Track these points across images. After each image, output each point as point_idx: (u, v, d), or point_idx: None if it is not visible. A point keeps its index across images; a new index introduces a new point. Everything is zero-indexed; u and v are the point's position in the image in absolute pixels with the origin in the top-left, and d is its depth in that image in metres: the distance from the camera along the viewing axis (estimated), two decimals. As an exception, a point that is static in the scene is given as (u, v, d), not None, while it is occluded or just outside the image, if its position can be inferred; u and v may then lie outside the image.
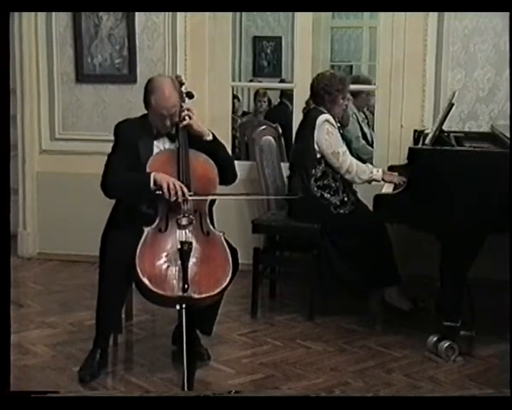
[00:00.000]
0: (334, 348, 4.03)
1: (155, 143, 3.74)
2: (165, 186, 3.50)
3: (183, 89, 3.79)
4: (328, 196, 4.47)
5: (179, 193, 3.51)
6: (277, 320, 4.43)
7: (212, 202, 3.74)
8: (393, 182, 4.41)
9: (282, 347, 4.04)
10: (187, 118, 3.67)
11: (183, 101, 3.77)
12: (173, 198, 3.50)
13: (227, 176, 3.82)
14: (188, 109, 3.71)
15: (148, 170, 3.58)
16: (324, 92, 4.53)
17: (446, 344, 3.83)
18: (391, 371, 3.73)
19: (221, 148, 3.84)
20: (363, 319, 4.38)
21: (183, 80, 3.85)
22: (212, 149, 3.75)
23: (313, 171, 4.49)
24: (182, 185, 3.54)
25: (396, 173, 4.52)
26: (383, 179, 4.47)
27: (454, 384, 3.60)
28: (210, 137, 3.75)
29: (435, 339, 3.88)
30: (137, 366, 3.77)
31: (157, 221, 3.53)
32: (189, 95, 3.85)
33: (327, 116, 4.50)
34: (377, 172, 4.48)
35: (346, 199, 4.48)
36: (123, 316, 3.99)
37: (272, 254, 4.80)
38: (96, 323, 3.66)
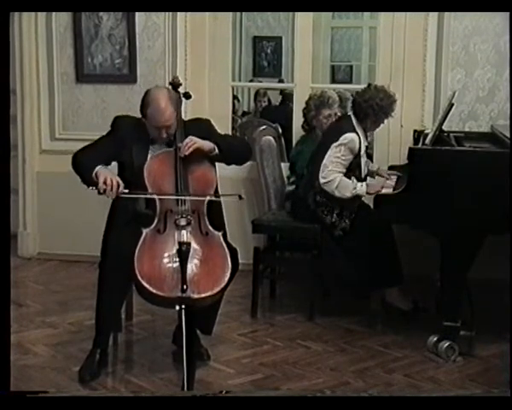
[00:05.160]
0: (334, 348, 4.03)
1: (151, 147, 3.71)
2: (101, 180, 3.44)
3: (180, 89, 3.78)
4: (322, 214, 4.38)
5: (114, 190, 3.44)
6: (277, 320, 4.43)
7: (211, 202, 3.64)
8: (379, 191, 4.20)
9: (282, 347, 4.04)
10: (190, 150, 3.56)
11: (181, 102, 3.75)
12: (107, 194, 3.44)
13: (240, 157, 3.84)
14: (188, 144, 3.56)
15: (145, 171, 3.57)
16: (371, 110, 4.29)
17: (446, 344, 3.83)
18: (391, 371, 3.73)
19: (223, 142, 3.71)
20: (363, 319, 4.38)
21: (180, 81, 3.82)
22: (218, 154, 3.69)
23: (317, 182, 4.35)
24: (119, 183, 3.46)
25: (389, 178, 4.49)
26: (368, 193, 4.28)
27: (454, 384, 3.60)
28: (216, 151, 3.64)
29: (435, 339, 3.88)
30: (137, 366, 3.77)
31: (155, 222, 3.52)
32: (187, 95, 3.83)
33: (353, 138, 4.28)
34: (361, 187, 4.28)
35: (336, 224, 4.36)
36: (123, 316, 4.00)
37: (272, 254, 4.80)
38: (95, 323, 3.67)
